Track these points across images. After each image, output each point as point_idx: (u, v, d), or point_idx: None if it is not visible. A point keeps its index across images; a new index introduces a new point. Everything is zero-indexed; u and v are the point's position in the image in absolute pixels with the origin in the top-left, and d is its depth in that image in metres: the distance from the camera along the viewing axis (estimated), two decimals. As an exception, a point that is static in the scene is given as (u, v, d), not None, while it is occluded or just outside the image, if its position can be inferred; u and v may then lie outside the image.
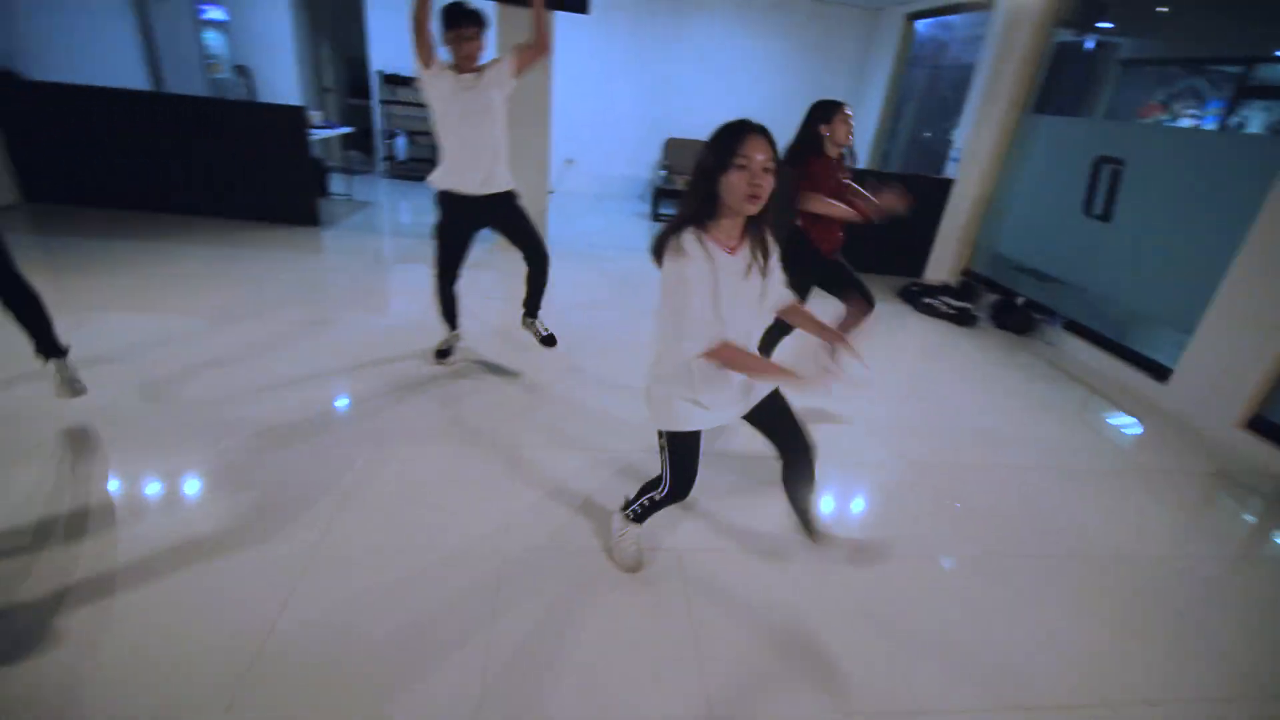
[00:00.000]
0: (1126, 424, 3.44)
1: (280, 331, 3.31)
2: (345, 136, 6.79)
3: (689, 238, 1.40)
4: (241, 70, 6.92)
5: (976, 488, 2.63)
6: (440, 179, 2.75)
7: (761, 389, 1.68)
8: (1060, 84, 4.96)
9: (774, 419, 1.73)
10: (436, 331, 3.17)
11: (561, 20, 4.78)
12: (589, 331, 3.74)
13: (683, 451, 1.70)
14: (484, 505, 2.17)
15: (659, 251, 1.43)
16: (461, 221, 2.85)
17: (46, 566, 1.73)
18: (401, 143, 7.41)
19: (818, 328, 1.65)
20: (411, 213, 6.33)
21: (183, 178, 4.97)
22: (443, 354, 3.14)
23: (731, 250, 1.45)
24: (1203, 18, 5.58)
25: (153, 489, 2.09)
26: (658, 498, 1.80)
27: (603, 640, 1.71)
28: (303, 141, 4.96)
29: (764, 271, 1.50)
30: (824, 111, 2.59)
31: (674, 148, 7.92)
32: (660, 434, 1.70)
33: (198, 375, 2.79)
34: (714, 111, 8.42)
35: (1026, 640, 1.88)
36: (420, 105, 7.35)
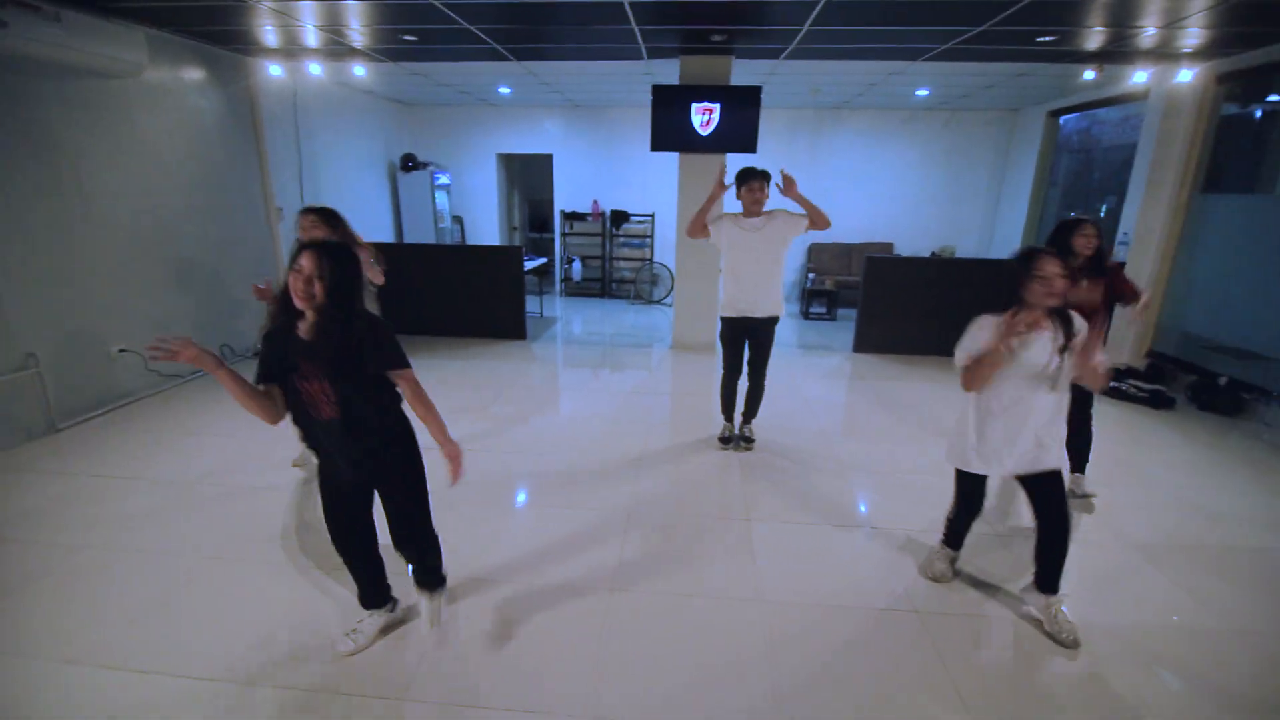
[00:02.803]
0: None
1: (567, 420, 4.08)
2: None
3: (987, 318, 2.05)
4: (457, 219, 8.61)
5: (1207, 569, 2.61)
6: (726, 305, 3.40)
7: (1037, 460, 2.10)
8: (1232, 159, 4.90)
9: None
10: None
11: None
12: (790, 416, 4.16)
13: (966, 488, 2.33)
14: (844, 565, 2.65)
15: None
16: (739, 336, 3.47)
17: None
18: (578, 266, 8.62)
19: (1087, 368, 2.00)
20: (583, 324, 7.30)
21: (433, 307, 6.24)
22: (725, 440, 3.69)
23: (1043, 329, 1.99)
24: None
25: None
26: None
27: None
28: (519, 275, 6.10)
29: (1066, 341, 1.98)
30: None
31: (818, 252, 8.46)
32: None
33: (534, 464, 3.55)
34: (854, 218, 8.92)
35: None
36: (591, 235, 8.61)
